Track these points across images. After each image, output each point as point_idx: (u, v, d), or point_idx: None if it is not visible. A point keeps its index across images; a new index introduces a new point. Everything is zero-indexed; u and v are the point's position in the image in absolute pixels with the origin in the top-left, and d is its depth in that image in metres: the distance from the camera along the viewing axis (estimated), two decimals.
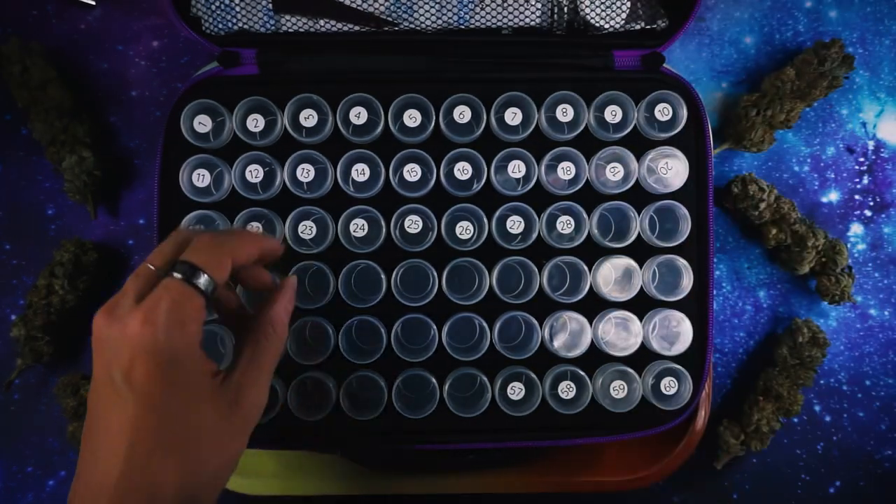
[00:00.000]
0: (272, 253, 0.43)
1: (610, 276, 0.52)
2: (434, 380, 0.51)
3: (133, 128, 0.63)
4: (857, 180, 0.64)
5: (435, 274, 0.51)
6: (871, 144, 0.64)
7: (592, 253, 0.52)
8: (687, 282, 0.51)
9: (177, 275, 0.36)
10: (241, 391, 0.39)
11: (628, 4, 0.53)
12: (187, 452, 0.36)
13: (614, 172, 0.50)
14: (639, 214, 0.51)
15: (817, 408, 0.63)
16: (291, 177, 0.50)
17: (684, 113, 0.51)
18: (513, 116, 0.51)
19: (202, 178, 0.50)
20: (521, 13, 0.53)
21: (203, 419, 0.37)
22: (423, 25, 0.53)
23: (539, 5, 0.53)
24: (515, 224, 0.50)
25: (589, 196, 0.52)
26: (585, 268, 0.51)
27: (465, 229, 0.50)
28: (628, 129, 0.51)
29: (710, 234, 0.52)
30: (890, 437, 0.63)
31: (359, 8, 0.53)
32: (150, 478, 0.36)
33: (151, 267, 0.38)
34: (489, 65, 0.53)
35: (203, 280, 0.37)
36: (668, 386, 0.51)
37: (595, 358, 0.52)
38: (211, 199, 0.51)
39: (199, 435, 0.37)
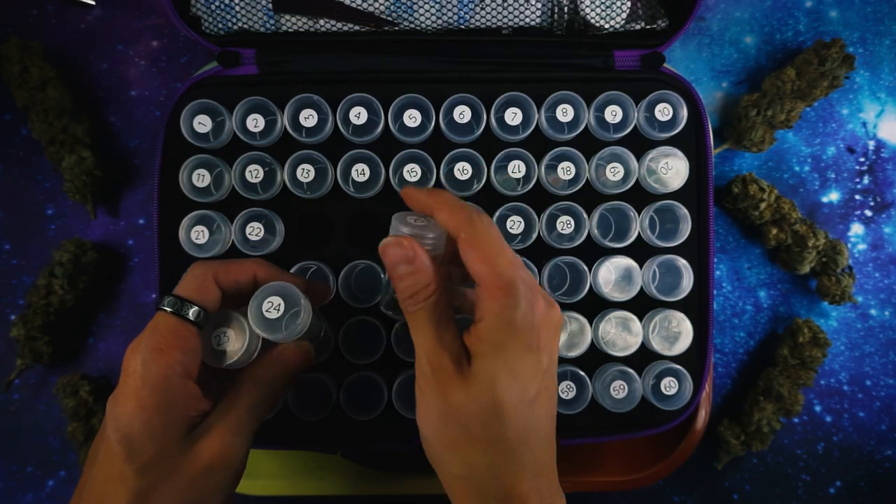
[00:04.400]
0: (268, 279, 0.43)
1: (610, 276, 0.52)
2: None
3: (133, 128, 0.63)
4: (858, 180, 0.64)
5: None
6: (871, 144, 0.64)
7: (592, 253, 0.52)
8: (687, 282, 0.51)
9: (165, 307, 0.39)
10: (204, 435, 0.38)
11: (628, 4, 0.53)
12: (143, 478, 0.37)
13: (614, 172, 0.50)
14: (639, 214, 0.51)
15: (818, 408, 0.63)
16: (291, 177, 0.50)
17: (684, 113, 0.51)
18: (513, 116, 0.51)
19: (202, 178, 0.50)
20: (521, 13, 0.53)
21: (165, 452, 0.37)
22: (423, 25, 0.53)
23: (539, 5, 0.53)
24: (515, 224, 0.50)
25: (589, 196, 0.52)
26: (585, 268, 0.51)
27: None
28: (628, 129, 0.51)
29: (710, 234, 0.52)
30: (890, 438, 0.63)
31: (359, 8, 0.53)
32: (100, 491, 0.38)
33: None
34: (489, 65, 0.53)
35: (191, 310, 0.39)
36: (669, 386, 0.51)
37: (595, 358, 0.52)
38: (211, 199, 0.50)
39: (157, 467, 0.37)
